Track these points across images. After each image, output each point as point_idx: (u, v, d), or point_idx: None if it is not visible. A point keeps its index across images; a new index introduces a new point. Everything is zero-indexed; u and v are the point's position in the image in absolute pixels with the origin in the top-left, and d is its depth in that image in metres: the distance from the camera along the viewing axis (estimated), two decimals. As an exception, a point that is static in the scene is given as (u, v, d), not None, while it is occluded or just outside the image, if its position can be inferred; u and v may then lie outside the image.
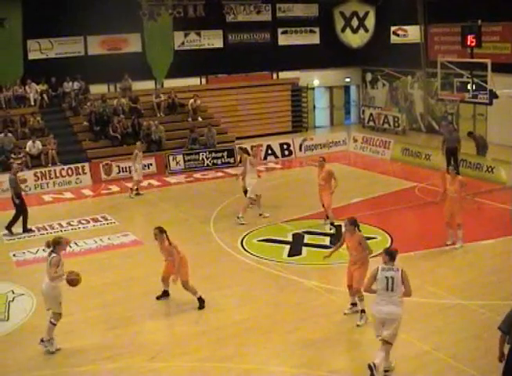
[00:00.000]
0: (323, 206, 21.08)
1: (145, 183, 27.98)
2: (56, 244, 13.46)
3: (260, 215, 22.36)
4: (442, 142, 26.41)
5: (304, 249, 19.15)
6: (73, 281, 13.38)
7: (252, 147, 23.40)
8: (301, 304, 15.41)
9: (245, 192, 22.72)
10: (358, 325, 13.97)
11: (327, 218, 21.03)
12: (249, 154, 23.13)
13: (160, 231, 15.03)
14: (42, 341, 13.46)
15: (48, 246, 13.54)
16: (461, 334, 13.60)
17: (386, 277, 11.61)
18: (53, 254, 13.34)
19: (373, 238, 19.66)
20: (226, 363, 12.65)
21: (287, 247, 19.30)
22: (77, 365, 12.80)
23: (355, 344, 13.44)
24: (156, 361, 12.83)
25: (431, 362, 12.52)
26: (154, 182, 28.35)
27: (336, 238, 19.81)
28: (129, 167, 28.01)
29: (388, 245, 18.54)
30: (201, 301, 15.11)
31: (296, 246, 19.38)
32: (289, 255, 18.64)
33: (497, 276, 16.58)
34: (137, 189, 26.48)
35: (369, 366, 11.47)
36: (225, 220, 22.36)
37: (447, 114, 36.65)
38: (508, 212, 20.21)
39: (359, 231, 14.25)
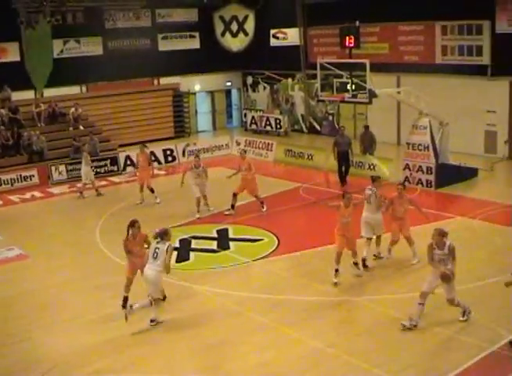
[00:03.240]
0: (252, 195, 22.94)
1: (28, 195, 27.40)
2: (165, 235, 14.29)
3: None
4: (333, 146, 26.55)
5: (192, 254, 19.24)
6: None
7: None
8: (194, 309, 15.48)
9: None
10: (412, 263, 17.07)
11: (263, 204, 22.94)
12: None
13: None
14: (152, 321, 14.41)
15: (155, 237, 14.34)
16: (354, 330, 14.06)
17: None
18: (167, 243, 14.18)
19: (260, 240, 19.95)
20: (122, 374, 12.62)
21: (175, 253, 19.22)
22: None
23: (251, 346, 13.53)
24: (48, 376, 12.63)
25: (324, 359, 12.79)
26: (37, 193, 27.73)
27: (222, 242, 20.04)
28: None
29: (275, 246, 18.89)
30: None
31: (183, 251, 19.39)
32: (177, 261, 18.54)
33: (383, 272, 17.12)
34: (97, 190, 27.12)
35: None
36: (112, 229, 22.09)
37: (328, 115, 37.49)
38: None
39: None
